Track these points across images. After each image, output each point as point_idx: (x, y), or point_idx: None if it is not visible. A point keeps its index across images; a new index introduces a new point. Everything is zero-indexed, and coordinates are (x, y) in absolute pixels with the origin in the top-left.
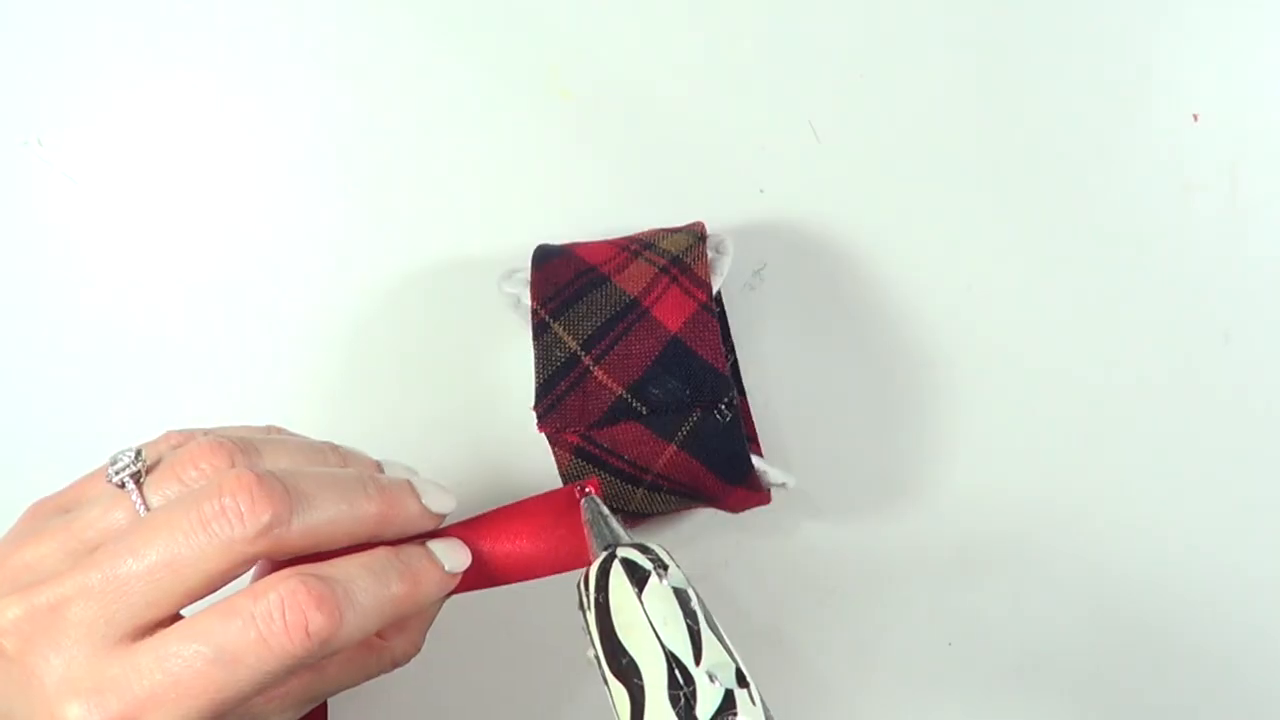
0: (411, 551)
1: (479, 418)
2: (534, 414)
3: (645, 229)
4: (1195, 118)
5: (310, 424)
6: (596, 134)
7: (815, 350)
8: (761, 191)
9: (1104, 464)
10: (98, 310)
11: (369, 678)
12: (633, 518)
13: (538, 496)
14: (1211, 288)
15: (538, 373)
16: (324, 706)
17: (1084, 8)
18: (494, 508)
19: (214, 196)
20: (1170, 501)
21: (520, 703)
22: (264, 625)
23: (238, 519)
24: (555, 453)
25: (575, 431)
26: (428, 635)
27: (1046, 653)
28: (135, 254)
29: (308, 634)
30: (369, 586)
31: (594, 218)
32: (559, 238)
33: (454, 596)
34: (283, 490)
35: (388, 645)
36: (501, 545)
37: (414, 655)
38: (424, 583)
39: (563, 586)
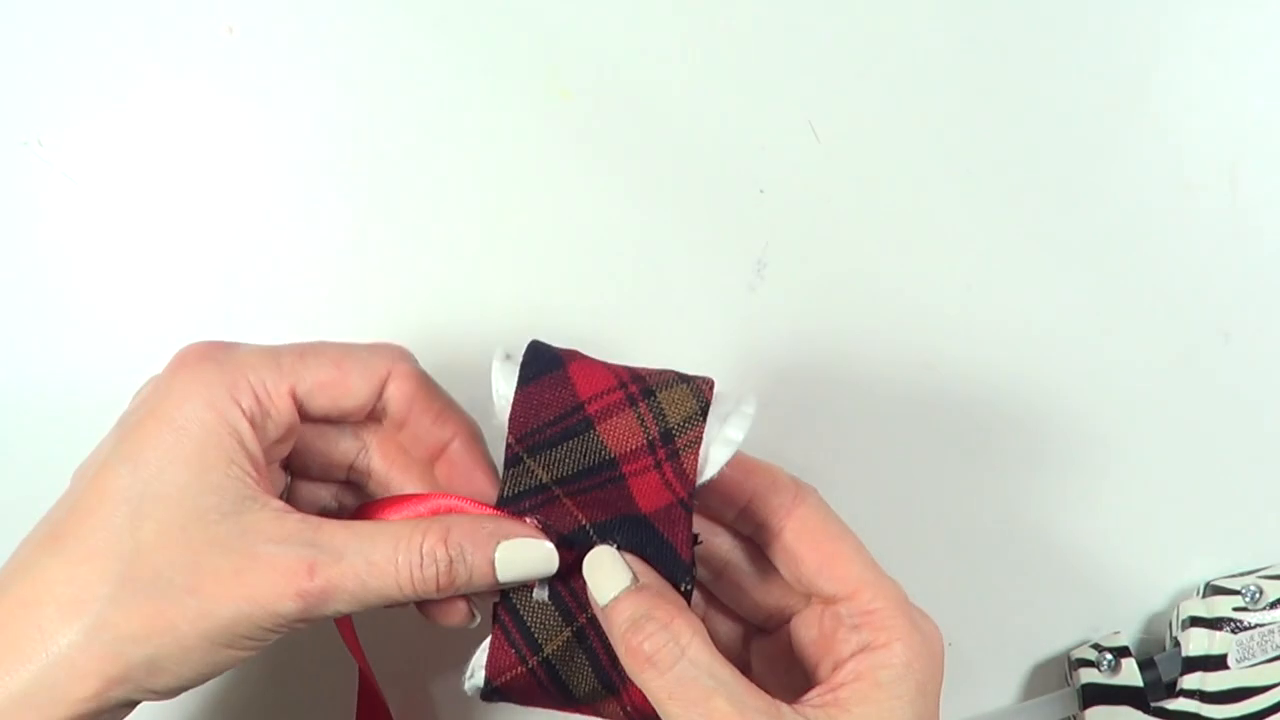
0: (470, 552)
1: (477, 418)
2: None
3: (651, 366)
4: (1195, 118)
5: None
6: (596, 134)
7: (815, 350)
8: (761, 192)
9: (1104, 464)
10: (98, 310)
11: None
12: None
13: None
14: (1211, 288)
15: (502, 487)
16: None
17: (1084, 8)
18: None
19: (214, 197)
20: (1169, 501)
21: None
22: None
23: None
24: None
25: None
26: None
27: (1047, 652)
28: (135, 254)
29: None
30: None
31: (594, 218)
32: (558, 237)
33: None
34: None
35: None
36: None
37: None
38: (461, 584)
39: None
